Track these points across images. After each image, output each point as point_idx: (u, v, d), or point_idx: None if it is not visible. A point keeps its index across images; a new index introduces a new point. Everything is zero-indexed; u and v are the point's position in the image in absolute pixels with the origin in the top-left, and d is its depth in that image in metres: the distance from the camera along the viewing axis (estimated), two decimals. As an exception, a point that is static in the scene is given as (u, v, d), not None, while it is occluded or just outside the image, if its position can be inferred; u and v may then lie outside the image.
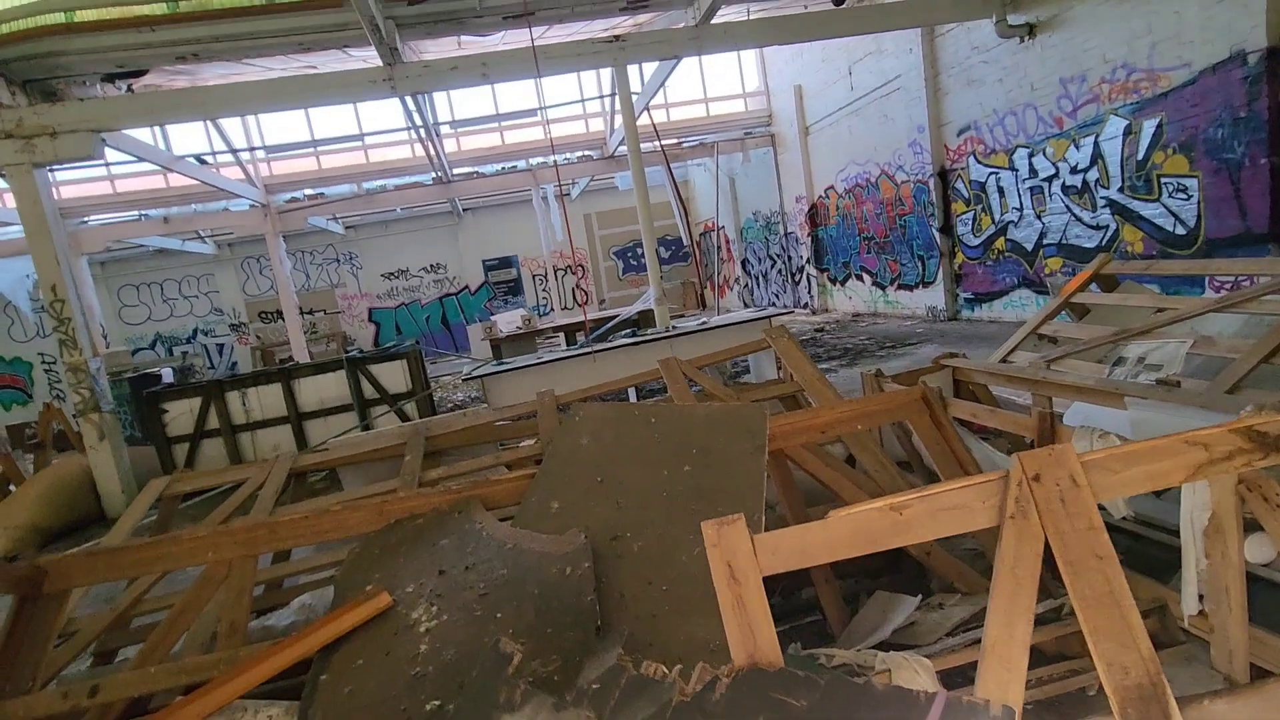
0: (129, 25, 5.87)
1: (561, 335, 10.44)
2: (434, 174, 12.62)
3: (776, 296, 14.93)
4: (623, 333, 7.15)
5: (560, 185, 11.86)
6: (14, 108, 5.98)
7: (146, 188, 12.07)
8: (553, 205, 13.38)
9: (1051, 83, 7.15)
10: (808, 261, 13.16)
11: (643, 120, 8.87)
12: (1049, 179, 7.43)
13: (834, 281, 12.62)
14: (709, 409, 2.81)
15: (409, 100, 8.78)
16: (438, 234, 17.53)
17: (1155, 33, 6.02)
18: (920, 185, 9.45)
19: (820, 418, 2.77)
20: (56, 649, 2.51)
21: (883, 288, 11.00)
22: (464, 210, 17.14)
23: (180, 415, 6.80)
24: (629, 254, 18.54)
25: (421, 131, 10.28)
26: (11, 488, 6.37)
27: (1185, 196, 5.99)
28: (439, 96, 12.16)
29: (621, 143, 11.91)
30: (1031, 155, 7.59)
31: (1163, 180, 6.17)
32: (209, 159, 10.86)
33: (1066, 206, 7.26)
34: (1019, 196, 7.89)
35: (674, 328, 7.06)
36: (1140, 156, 6.33)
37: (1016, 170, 7.85)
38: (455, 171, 12.97)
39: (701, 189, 17.32)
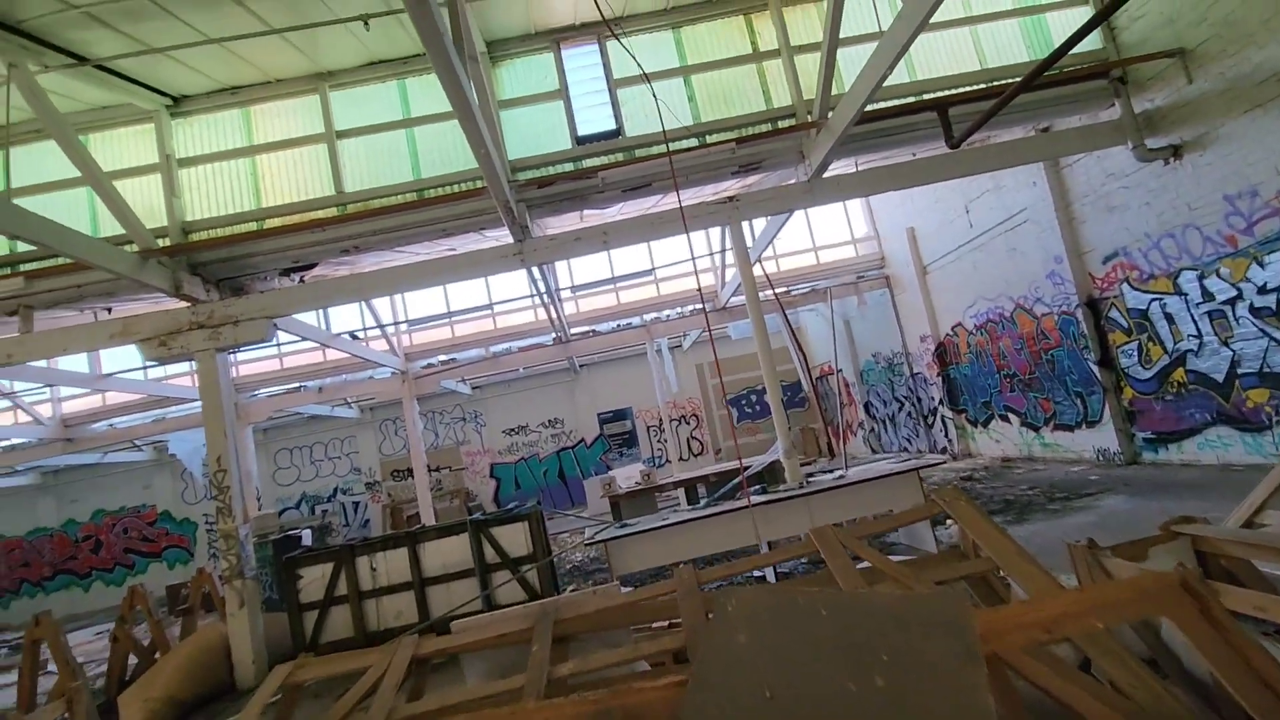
0: (306, 228, 6.78)
1: (681, 491, 10.02)
2: (554, 335, 13.29)
3: (909, 441, 13.86)
4: (752, 489, 6.67)
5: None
6: (208, 302, 6.90)
7: (306, 362, 13.51)
8: (666, 358, 13.57)
9: (1214, 200, 6.53)
10: (940, 403, 12.25)
11: (755, 270, 8.94)
12: (1230, 301, 6.56)
13: (974, 423, 11.56)
14: (892, 599, 2.31)
15: (535, 270, 9.44)
16: (555, 390, 18.21)
17: (1338, 138, 5.40)
18: (1066, 317, 8.70)
19: (1042, 612, 2.19)
20: None
21: (1035, 429, 9.88)
22: (580, 366, 17.82)
23: (313, 582, 6.87)
24: (743, 401, 18.27)
25: (544, 297, 10.95)
26: (157, 655, 6.54)
27: None
28: (560, 265, 13.10)
29: (735, 293, 12.12)
30: (1202, 277, 6.80)
31: (1391, 294, 5.22)
32: (360, 334, 12.07)
33: (1262, 330, 6.29)
34: (1194, 322, 6.99)
35: (807, 483, 6.51)
36: (1353, 268, 5.45)
37: (1185, 294, 7.03)
38: (573, 331, 13.62)
39: (815, 333, 17.11)
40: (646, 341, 13.54)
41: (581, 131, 7.07)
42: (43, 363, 8.36)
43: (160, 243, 6.61)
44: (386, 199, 6.91)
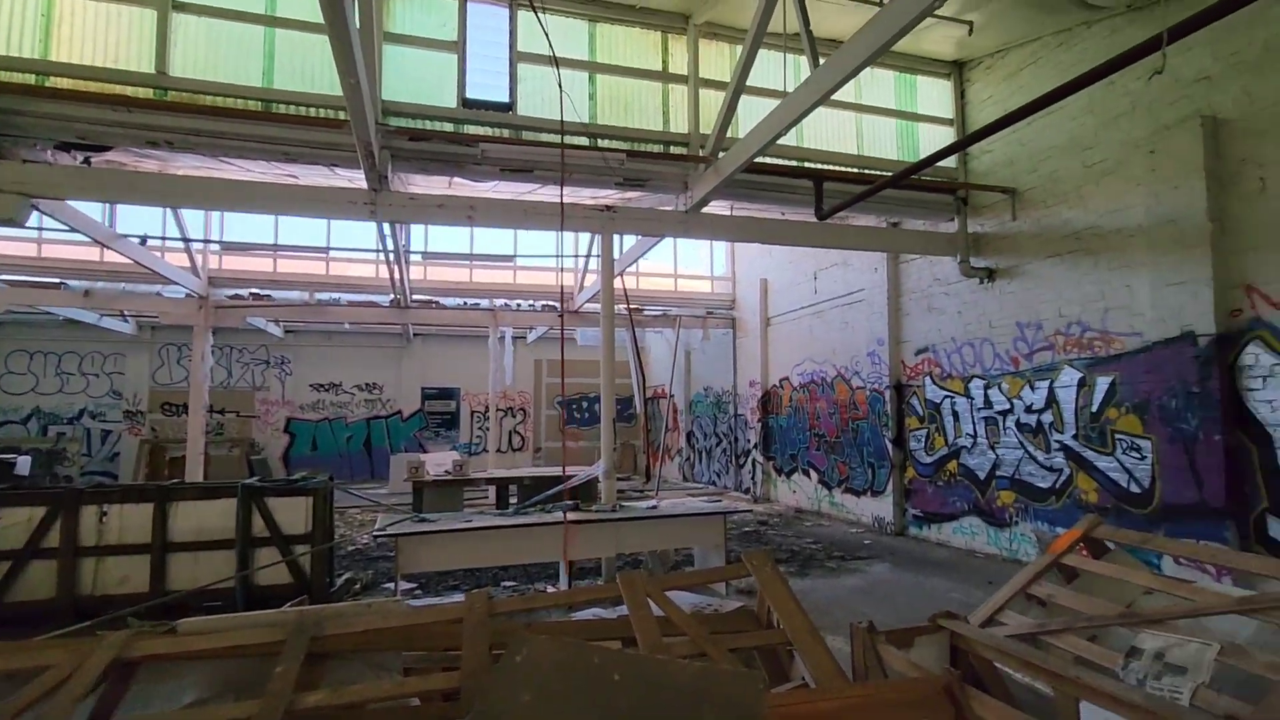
0: (105, 101, 5.55)
1: (493, 490, 9.64)
2: (393, 297, 12.28)
3: (718, 475, 14.58)
4: (564, 504, 6.50)
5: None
6: (-59, 155, 5.39)
7: (75, 257, 11.20)
8: (509, 347, 13.10)
9: (1009, 324, 7.55)
10: (755, 447, 13.02)
11: (615, 284, 8.87)
12: (1003, 413, 7.60)
13: (780, 472, 12.41)
14: (690, 671, 2.22)
15: (386, 225, 8.60)
16: (380, 354, 16.89)
17: (1108, 300, 6.46)
18: (876, 394, 9.61)
19: (823, 703, 2.22)
20: None
21: (829, 488, 10.80)
22: (414, 335, 16.70)
23: (14, 526, 5.58)
24: (573, 406, 18.18)
25: (391, 255, 10.05)
26: None
27: (1139, 456, 6.10)
28: (416, 226, 12.14)
29: (590, 299, 11.99)
30: (987, 387, 7.82)
31: (1116, 436, 6.32)
32: (156, 242, 10.25)
33: (1020, 443, 7.36)
34: (973, 424, 8.02)
35: (621, 507, 6.49)
36: (1094, 409, 6.53)
37: (972, 398, 8.04)
38: (415, 297, 12.68)
39: (657, 355, 17.51)
40: (491, 326, 12.97)
41: (470, 94, 6.54)
42: None
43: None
44: (222, 98, 5.88)
